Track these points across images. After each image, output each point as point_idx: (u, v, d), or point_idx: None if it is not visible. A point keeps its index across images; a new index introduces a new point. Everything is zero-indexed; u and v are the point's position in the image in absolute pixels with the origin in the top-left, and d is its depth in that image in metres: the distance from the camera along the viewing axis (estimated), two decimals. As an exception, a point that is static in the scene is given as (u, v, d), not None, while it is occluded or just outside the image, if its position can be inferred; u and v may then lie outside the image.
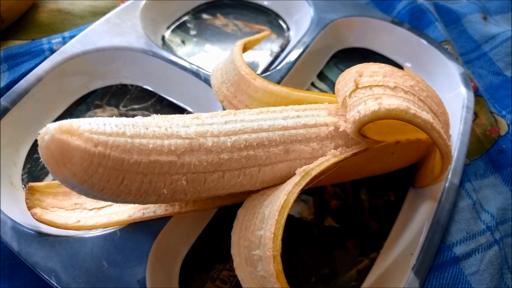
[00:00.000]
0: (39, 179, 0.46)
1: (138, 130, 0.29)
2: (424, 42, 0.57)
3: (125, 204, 0.37)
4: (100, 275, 0.35)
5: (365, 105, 0.33)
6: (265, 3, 0.67)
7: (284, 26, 0.64)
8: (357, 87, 0.35)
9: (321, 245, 0.44)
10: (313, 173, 0.32)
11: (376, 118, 0.32)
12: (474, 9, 0.68)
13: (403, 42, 0.59)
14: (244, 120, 0.33)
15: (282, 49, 0.60)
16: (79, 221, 0.36)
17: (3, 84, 0.49)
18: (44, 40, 0.54)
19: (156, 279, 0.36)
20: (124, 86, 0.55)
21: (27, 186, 0.37)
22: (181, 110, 0.53)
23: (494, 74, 0.60)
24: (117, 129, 0.28)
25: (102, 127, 0.27)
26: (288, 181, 0.32)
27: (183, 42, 0.60)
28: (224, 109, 0.42)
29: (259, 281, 0.30)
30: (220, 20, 0.64)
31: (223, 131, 0.31)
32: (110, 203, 0.37)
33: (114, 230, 0.38)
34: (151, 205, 0.36)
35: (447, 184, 0.44)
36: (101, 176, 0.27)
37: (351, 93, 0.35)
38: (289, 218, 0.38)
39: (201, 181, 0.30)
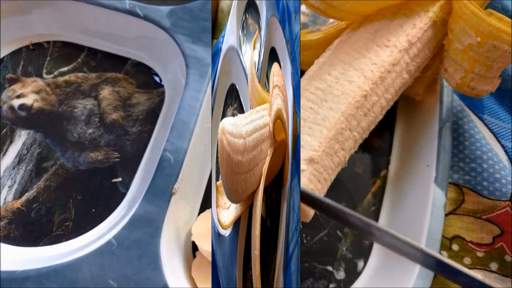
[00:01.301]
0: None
1: (234, 129, 0.22)
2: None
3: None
4: (229, 278, 0.23)
5: (275, 104, 0.24)
6: None
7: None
8: (273, 86, 0.26)
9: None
10: (265, 172, 0.26)
11: (278, 117, 0.24)
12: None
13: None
14: (253, 119, 0.23)
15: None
16: (225, 221, 0.27)
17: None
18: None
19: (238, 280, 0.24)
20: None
21: (216, 184, 0.27)
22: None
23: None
24: (230, 127, 0.21)
25: (230, 127, 0.21)
26: (260, 181, 0.24)
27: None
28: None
29: (256, 282, 0.22)
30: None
31: (248, 130, 0.23)
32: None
33: (229, 230, 0.26)
34: (236, 205, 0.27)
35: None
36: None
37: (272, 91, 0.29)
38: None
39: (242, 182, 0.23)
